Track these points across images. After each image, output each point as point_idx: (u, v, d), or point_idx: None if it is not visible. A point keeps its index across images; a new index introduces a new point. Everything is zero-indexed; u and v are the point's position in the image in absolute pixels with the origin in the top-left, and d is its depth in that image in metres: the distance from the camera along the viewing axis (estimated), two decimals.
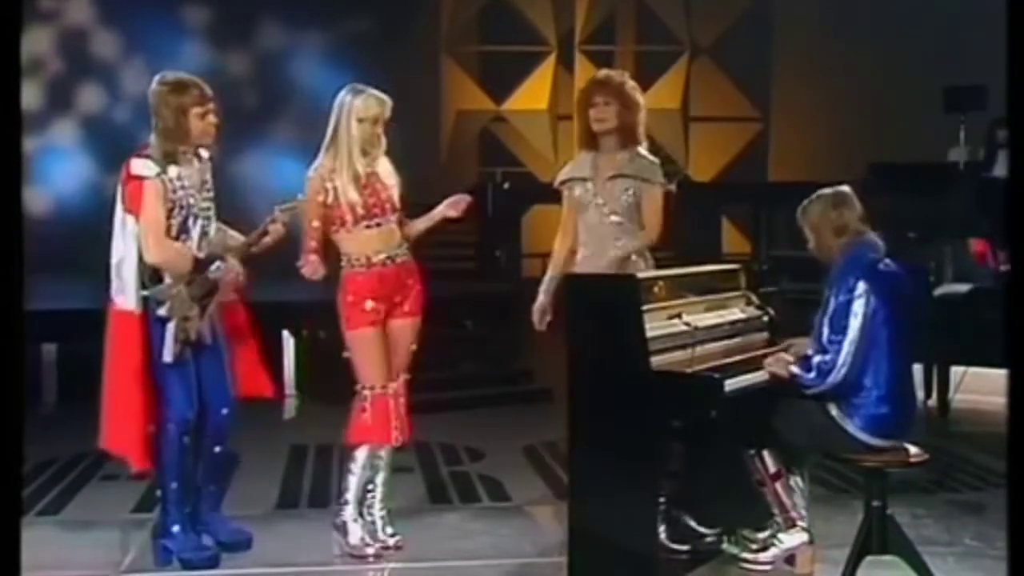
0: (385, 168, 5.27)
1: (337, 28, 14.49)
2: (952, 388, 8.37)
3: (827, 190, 4.83)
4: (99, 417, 5.03)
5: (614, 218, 5.35)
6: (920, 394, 6.98)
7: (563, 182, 5.46)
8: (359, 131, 5.12)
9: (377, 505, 5.39)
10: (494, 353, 10.06)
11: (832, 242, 4.72)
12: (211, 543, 5.20)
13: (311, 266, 5.10)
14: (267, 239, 5.14)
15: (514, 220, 13.41)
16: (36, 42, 13.44)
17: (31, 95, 13.15)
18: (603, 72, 5.57)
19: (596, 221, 5.37)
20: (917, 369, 5.65)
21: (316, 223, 5.15)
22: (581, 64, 15.62)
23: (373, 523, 5.36)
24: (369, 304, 5.18)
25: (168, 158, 4.97)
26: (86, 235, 12.85)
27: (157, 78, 5.06)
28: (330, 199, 5.13)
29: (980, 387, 8.15)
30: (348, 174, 5.12)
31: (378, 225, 5.20)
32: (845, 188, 4.84)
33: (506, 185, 14.00)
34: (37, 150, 13.31)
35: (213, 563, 5.12)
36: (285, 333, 9.62)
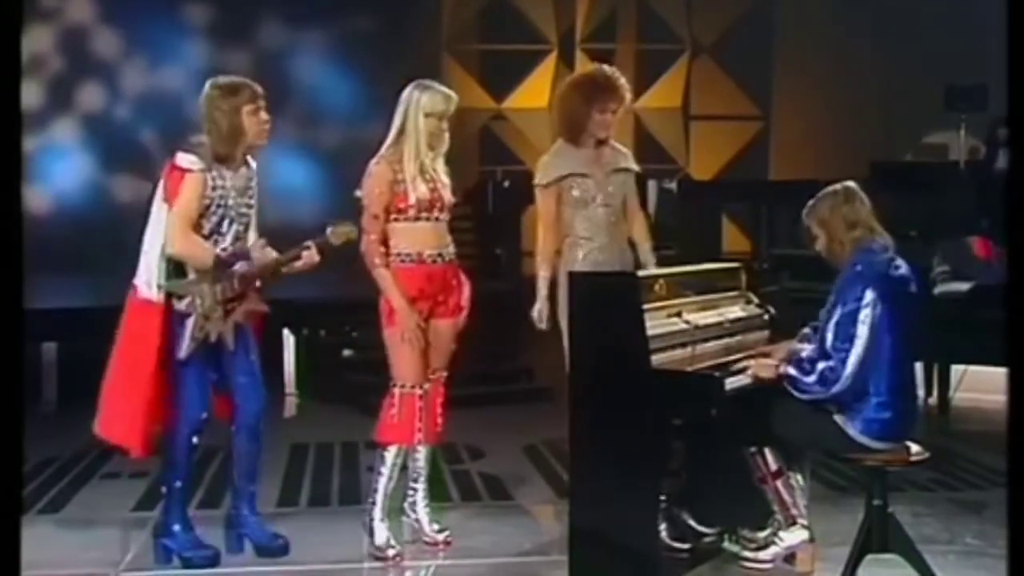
0: (443, 168, 5.30)
1: (338, 26, 14.50)
2: (952, 386, 8.37)
3: (834, 186, 4.73)
4: (98, 402, 4.99)
5: (612, 211, 5.43)
6: (920, 392, 6.97)
7: (560, 179, 5.42)
8: (426, 125, 5.15)
9: (421, 503, 5.40)
10: (494, 352, 10.05)
11: (844, 238, 4.60)
12: (213, 545, 5.17)
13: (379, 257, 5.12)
14: (298, 264, 5.10)
15: (514, 218, 13.38)
16: (36, 41, 13.44)
17: (31, 94, 13.15)
18: (618, 76, 5.43)
19: (601, 216, 5.39)
20: (917, 367, 5.63)
21: (379, 214, 5.14)
22: (582, 63, 15.56)
23: (418, 521, 5.38)
24: (413, 301, 5.15)
25: (220, 160, 4.97)
26: (86, 234, 12.97)
27: (209, 83, 5.05)
28: (397, 188, 5.14)
29: (980, 385, 8.15)
30: (415, 165, 5.15)
31: (436, 220, 5.22)
32: (852, 183, 4.74)
33: (506, 183, 13.98)
34: (37, 150, 13.32)
35: (213, 562, 5.10)
36: (285, 332, 9.62)
